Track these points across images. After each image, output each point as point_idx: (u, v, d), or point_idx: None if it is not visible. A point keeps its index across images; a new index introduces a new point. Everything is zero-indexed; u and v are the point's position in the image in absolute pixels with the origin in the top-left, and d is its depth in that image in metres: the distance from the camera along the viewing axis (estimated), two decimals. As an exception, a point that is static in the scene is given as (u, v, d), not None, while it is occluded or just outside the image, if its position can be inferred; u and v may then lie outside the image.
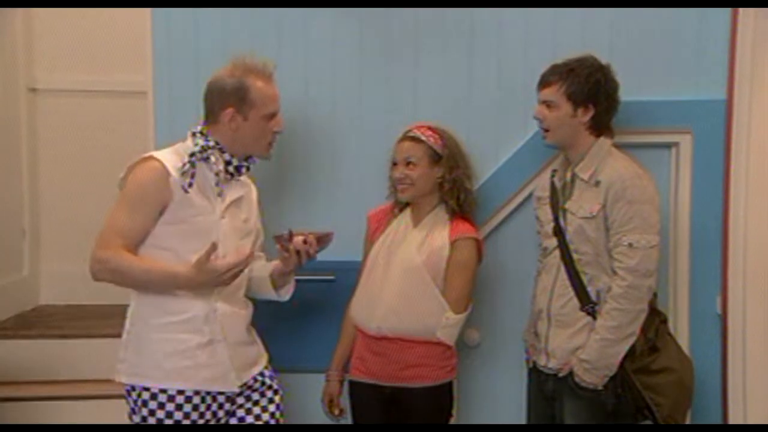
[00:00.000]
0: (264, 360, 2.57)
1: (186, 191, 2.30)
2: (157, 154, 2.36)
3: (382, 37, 2.92)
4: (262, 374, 2.53)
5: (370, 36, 2.92)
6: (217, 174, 2.37)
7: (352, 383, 2.73)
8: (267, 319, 2.70)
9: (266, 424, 2.49)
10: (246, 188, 2.52)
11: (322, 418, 2.85)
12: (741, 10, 2.79)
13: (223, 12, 2.90)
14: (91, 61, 4.06)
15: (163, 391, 2.32)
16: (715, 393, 2.85)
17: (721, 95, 2.83)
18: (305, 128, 2.94)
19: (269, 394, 2.53)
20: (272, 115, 2.44)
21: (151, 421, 2.32)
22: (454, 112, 2.90)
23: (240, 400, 2.47)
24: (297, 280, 2.69)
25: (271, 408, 2.52)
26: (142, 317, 2.37)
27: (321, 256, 2.72)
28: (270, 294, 2.62)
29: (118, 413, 2.64)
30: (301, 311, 2.92)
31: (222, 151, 2.40)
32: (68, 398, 3.08)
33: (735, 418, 2.83)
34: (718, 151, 2.84)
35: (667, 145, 2.90)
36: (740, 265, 2.82)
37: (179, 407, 2.32)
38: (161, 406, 2.32)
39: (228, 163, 2.41)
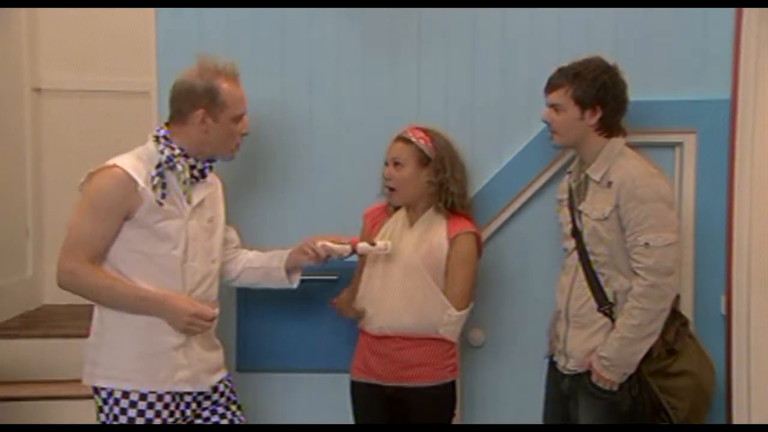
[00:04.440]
0: (225, 368, 2.57)
1: (161, 204, 2.31)
2: (120, 161, 2.33)
3: (385, 37, 2.92)
4: (226, 384, 2.54)
5: (373, 36, 2.92)
6: (184, 182, 2.38)
7: (353, 384, 2.73)
8: (269, 319, 2.71)
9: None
10: (211, 188, 2.52)
11: (322, 418, 2.86)
12: (745, 9, 2.79)
13: (227, 12, 2.90)
14: (95, 61, 4.06)
15: (135, 389, 2.33)
16: (719, 393, 2.84)
17: (725, 95, 2.83)
18: (309, 128, 2.94)
19: (233, 408, 2.54)
20: (240, 117, 2.44)
21: (123, 419, 2.33)
22: (458, 112, 2.91)
23: (206, 404, 2.48)
24: (300, 281, 2.69)
25: (235, 420, 2.53)
26: (115, 319, 2.36)
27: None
28: (280, 282, 2.64)
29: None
30: (303, 311, 2.92)
31: (186, 156, 2.39)
32: (72, 398, 3.07)
33: (739, 418, 2.83)
34: (722, 151, 2.84)
35: (672, 145, 2.90)
36: (744, 265, 2.82)
37: (151, 405, 2.34)
38: (133, 404, 2.33)
39: (192, 167, 2.41)
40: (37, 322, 3.63)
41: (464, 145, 2.77)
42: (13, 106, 3.84)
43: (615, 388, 2.48)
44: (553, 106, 2.56)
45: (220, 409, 2.51)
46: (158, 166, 2.33)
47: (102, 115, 4.06)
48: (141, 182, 2.30)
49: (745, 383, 2.83)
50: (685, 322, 2.60)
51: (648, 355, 2.47)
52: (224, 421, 2.50)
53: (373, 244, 2.56)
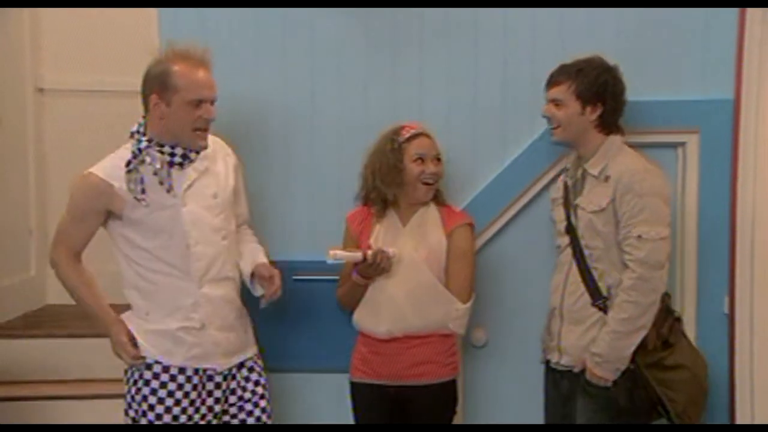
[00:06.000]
0: (252, 348, 2.59)
1: (140, 200, 2.34)
2: (95, 168, 2.39)
3: (387, 37, 2.91)
4: (251, 368, 2.55)
5: (375, 36, 2.92)
6: (155, 173, 2.36)
7: (354, 385, 2.73)
8: (270, 319, 2.70)
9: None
10: (206, 162, 2.47)
11: (323, 418, 2.85)
12: (748, 9, 2.78)
13: (229, 12, 2.90)
14: (98, 61, 4.06)
15: (158, 362, 2.41)
16: (722, 393, 2.85)
17: (728, 95, 2.83)
18: (310, 128, 2.94)
19: (262, 404, 2.56)
20: (198, 102, 2.37)
21: (146, 390, 2.39)
22: (460, 111, 2.91)
23: (232, 399, 2.51)
24: (301, 280, 2.69)
25: (264, 418, 2.56)
26: (135, 308, 2.47)
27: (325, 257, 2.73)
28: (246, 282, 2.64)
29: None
30: (303, 311, 2.92)
31: (161, 145, 2.38)
32: (76, 398, 3.09)
33: (742, 418, 2.83)
34: (725, 150, 2.83)
35: (674, 145, 2.89)
36: (747, 265, 2.81)
37: (173, 378, 2.40)
38: (156, 376, 2.41)
39: (172, 154, 2.39)
40: (40, 322, 3.64)
41: (466, 145, 2.77)
42: (15, 106, 3.84)
43: (609, 384, 2.49)
44: (554, 101, 2.58)
45: (248, 406, 2.53)
46: (128, 164, 2.35)
47: (104, 115, 4.05)
48: (116, 183, 2.34)
49: (748, 383, 2.82)
50: (678, 319, 2.62)
51: (643, 348, 2.48)
52: (251, 420, 2.53)
53: (383, 251, 2.56)
